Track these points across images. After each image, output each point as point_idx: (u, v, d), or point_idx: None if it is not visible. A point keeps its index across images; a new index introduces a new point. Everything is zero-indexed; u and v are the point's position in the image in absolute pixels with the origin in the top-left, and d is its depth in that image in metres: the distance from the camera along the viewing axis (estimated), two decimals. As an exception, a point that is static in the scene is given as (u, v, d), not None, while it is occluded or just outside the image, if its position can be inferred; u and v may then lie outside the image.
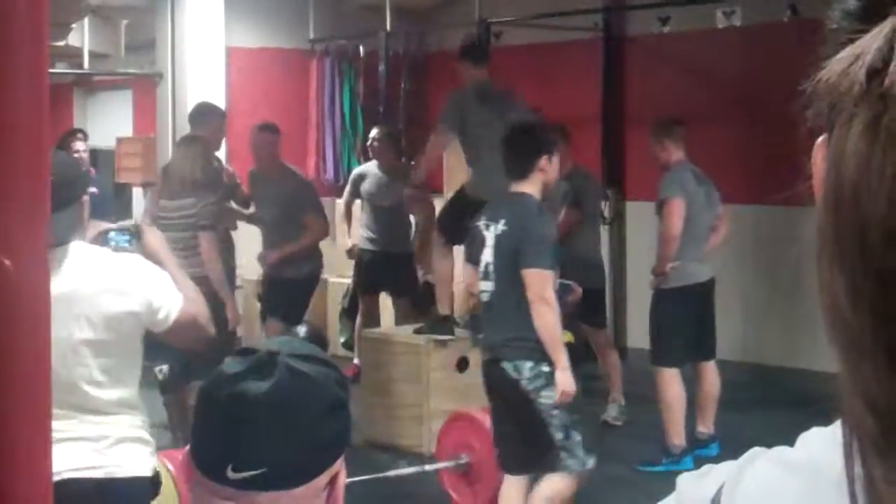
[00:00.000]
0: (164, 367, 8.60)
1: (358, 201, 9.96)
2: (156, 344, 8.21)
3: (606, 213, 10.87)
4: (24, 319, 2.90)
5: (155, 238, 4.00)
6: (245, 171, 9.65)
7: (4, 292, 2.84)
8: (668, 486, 0.89)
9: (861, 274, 0.66)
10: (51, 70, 6.27)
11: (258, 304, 11.41)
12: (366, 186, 9.72)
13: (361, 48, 12.70)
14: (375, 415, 8.16)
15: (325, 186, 12.44)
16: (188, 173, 7.44)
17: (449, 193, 10.71)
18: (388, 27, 12.08)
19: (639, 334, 9.35)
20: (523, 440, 5.59)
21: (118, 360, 3.63)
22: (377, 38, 12.26)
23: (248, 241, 10.53)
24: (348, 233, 10.00)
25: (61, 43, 11.48)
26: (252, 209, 8.99)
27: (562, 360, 5.40)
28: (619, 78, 11.68)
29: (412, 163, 10.52)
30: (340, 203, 10.21)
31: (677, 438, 7.42)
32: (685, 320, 7.42)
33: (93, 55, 12.44)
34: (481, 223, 5.65)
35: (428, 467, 6.96)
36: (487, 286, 5.59)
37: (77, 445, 3.52)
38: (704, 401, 7.62)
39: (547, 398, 5.40)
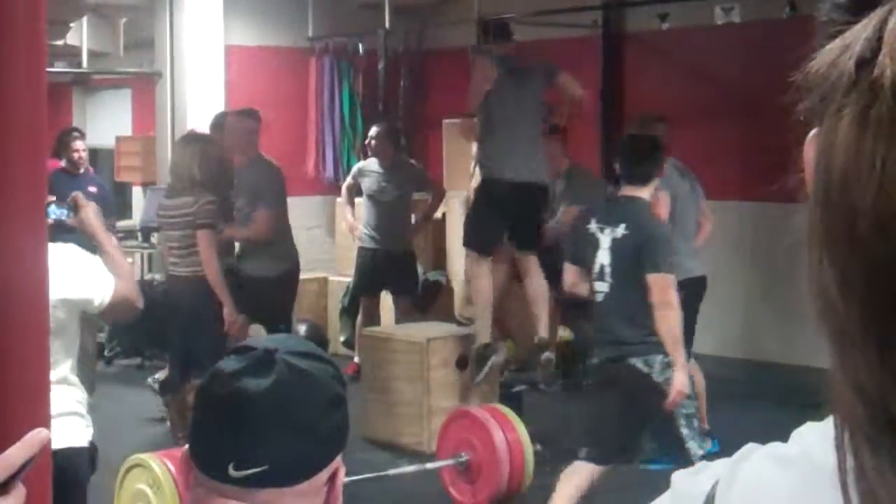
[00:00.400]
0: (158, 375, 8.60)
1: (359, 199, 9.94)
2: (157, 343, 8.13)
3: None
4: (23, 316, 2.91)
5: (91, 213, 4.23)
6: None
7: (4, 290, 2.84)
8: (668, 484, 0.89)
9: (851, 264, 0.66)
10: (49, 69, 6.27)
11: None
12: (366, 183, 9.71)
13: (361, 46, 12.69)
14: (376, 413, 8.16)
15: (325, 184, 12.45)
16: (186, 172, 7.43)
17: (451, 192, 10.72)
18: (387, 25, 12.08)
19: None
20: (641, 432, 5.83)
21: (56, 342, 3.71)
22: (376, 36, 12.26)
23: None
24: (352, 214, 9.93)
25: (60, 42, 11.48)
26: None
27: (681, 360, 5.59)
28: (618, 75, 11.68)
29: (412, 160, 10.53)
30: (341, 198, 10.16)
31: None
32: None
33: (92, 54, 12.45)
34: (593, 226, 5.78)
35: (428, 465, 6.96)
36: (603, 287, 5.75)
37: None
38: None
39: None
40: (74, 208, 4.27)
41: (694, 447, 5.77)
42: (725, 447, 7.12)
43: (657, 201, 7.53)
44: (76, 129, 11.82)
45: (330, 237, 12.03)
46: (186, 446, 1.73)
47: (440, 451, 7.00)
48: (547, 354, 7.86)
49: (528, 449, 6.78)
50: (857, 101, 0.66)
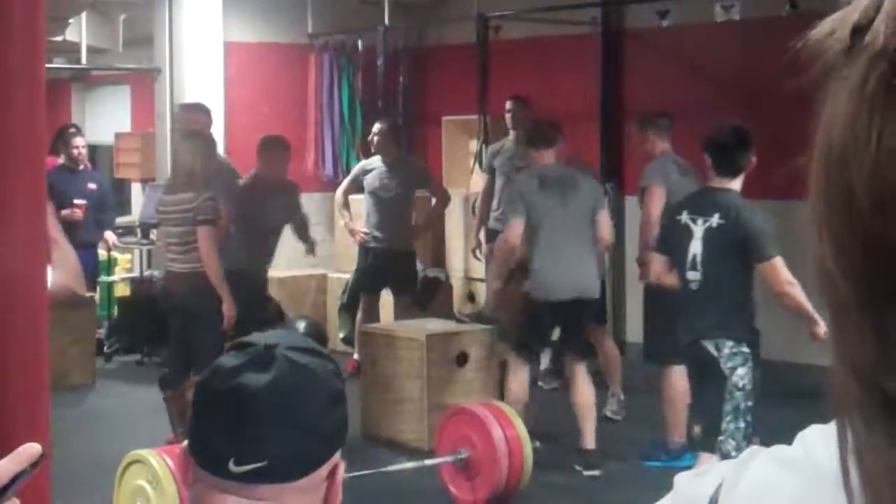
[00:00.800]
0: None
1: (360, 197, 9.91)
2: (156, 339, 8.14)
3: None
4: (22, 313, 2.91)
5: None
6: (243, 166, 9.65)
7: (4, 287, 2.84)
8: (668, 482, 0.88)
9: (848, 238, 0.66)
10: (48, 65, 6.27)
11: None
12: (368, 180, 9.69)
13: (360, 43, 12.69)
14: (375, 410, 8.16)
15: (324, 181, 12.44)
16: (189, 168, 7.43)
17: (450, 189, 10.71)
18: (386, 21, 12.08)
19: (638, 329, 9.35)
20: (702, 412, 5.94)
21: None
22: (376, 33, 12.25)
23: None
24: (349, 217, 9.91)
25: (59, 38, 11.47)
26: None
27: (815, 316, 5.69)
28: (618, 72, 11.67)
29: (411, 156, 10.53)
30: (337, 199, 10.14)
31: (678, 435, 7.35)
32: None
33: (91, 50, 12.44)
34: (685, 217, 5.92)
35: (427, 462, 6.96)
36: (695, 276, 5.88)
37: None
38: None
39: (738, 378, 5.73)
40: None
41: (728, 446, 5.75)
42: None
43: (650, 196, 7.57)
44: (74, 126, 11.82)
45: (329, 234, 12.03)
46: (185, 442, 1.73)
47: (439, 448, 7.01)
48: (592, 472, 7.41)
49: (527, 446, 6.78)
50: (853, 71, 0.66)
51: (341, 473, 1.72)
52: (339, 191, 10.06)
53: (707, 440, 5.80)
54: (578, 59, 11.82)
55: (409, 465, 6.97)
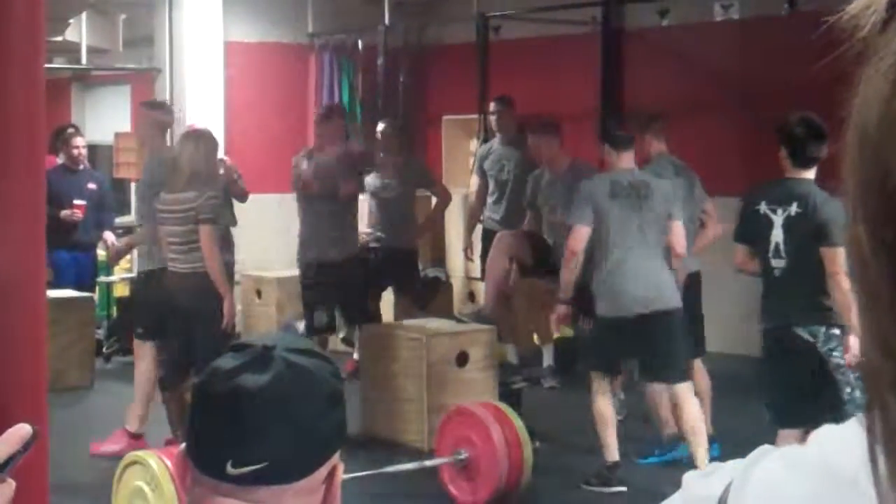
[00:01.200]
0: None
1: (361, 196, 9.91)
2: (155, 339, 8.14)
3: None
4: (21, 313, 2.90)
5: None
6: (243, 166, 9.64)
7: (2, 287, 2.84)
8: (666, 478, 0.88)
9: (882, 221, 0.65)
10: (48, 65, 6.26)
11: (257, 300, 11.44)
12: (369, 180, 9.68)
13: (360, 42, 12.69)
14: (375, 410, 8.15)
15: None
16: (193, 167, 7.43)
17: (450, 188, 10.70)
18: (386, 21, 12.07)
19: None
20: (812, 396, 5.97)
21: None
22: (376, 32, 12.25)
23: (247, 238, 10.53)
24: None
25: (59, 38, 11.46)
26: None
27: (852, 322, 5.78)
28: (618, 71, 11.67)
29: (413, 156, 10.51)
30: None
31: (667, 427, 7.36)
32: None
33: (91, 50, 12.43)
34: (763, 207, 6.07)
35: (427, 463, 6.95)
36: (779, 263, 6.05)
37: None
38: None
39: (837, 358, 5.89)
40: None
41: (856, 413, 5.82)
42: (727, 441, 7.12)
43: None
44: (74, 126, 11.81)
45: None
46: (184, 444, 1.72)
47: (439, 449, 7.00)
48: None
49: (527, 446, 6.77)
50: (889, 49, 0.65)
51: (340, 475, 1.72)
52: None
53: (831, 413, 5.84)
54: (578, 59, 11.82)
55: (409, 465, 6.96)
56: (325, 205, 8.72)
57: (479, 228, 10.35)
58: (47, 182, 3.28)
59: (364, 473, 6.39)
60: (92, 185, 10.70)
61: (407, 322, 8.84)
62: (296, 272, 11.65)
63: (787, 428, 6.04)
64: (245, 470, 1.63)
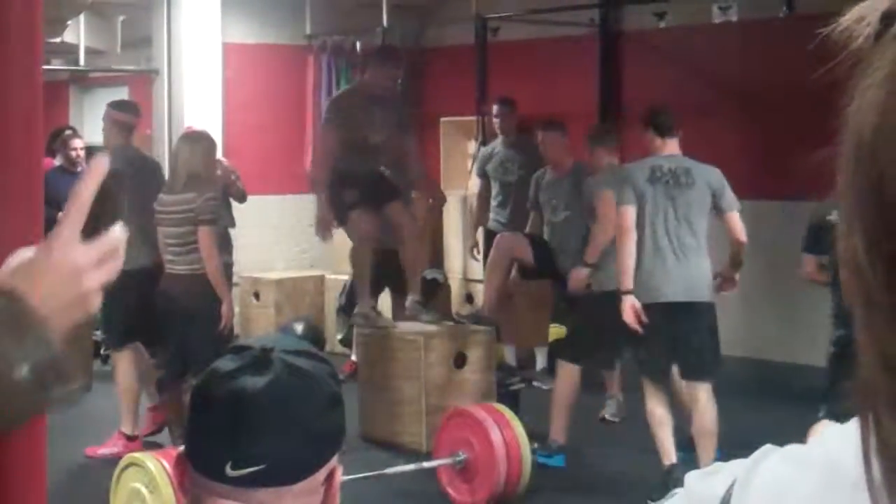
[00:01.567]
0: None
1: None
2: (153, 341, 8.13)
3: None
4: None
5: None
6: (241, 167, 9.65)
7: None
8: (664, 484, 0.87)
9: (878, 229, 0.65)
10: (46, 67, 6.25)
11: (255, 301, 11.44)
12: None
13: (358, 44, 12.68)
14: (373, 411, 8.15)
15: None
16: (192, 169, 7.43)
17: (448, 190, 10.70)
18: (385, 23, 12.07)
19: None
20: None
21: None
22: (374, 34, 12.25)
23: (245, 239, 10.54)
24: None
25: (57, 39, 11.46)
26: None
27: None
28: (616, 73, 11.68)
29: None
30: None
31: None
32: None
33: (89, 52, 12.43)
34: (834, 216, 5.84)
35: (426, 464, 6.95)
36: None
37: None
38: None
39: None
40: None
41: None
42: (728, 444, 7.11)
43: (599, 200, 7.54)
44: (72, 127, 11.81)
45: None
46: (182, 447, 1.72)
47: (437, 450, 7.00)
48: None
49: (526, 447, 6.77)
50: (884, 61, 0.65)
51: (339, 477, 1.72)
52: None
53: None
54: (576, 61, 11.82)
55: (408, 467, 6.95)
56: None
57: (479, 230, 10.36)
58: (45, 184, 3.28)
59: (362, 475, 6.38)
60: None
61: (405, 323, 8.83)
62: (294, 274, 11.66)
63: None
64: (244, 471, 1.63)
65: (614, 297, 6.75)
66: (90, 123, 14.82)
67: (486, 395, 7.89)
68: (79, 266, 1.43)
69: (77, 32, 12.07)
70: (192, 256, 7.36)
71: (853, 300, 0.67)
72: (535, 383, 9.39)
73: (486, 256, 9.65)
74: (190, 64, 11.67)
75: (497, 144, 10.14)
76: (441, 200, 10.08)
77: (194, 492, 1.69)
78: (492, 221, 10.01)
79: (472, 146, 11.74)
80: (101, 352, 10.87)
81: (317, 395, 1.68)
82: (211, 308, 7.31)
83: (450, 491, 6.87)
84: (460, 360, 8.03)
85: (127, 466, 6.05)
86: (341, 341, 10.31)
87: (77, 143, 10.88)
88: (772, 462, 0.79)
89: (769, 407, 8.47)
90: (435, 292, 10.85)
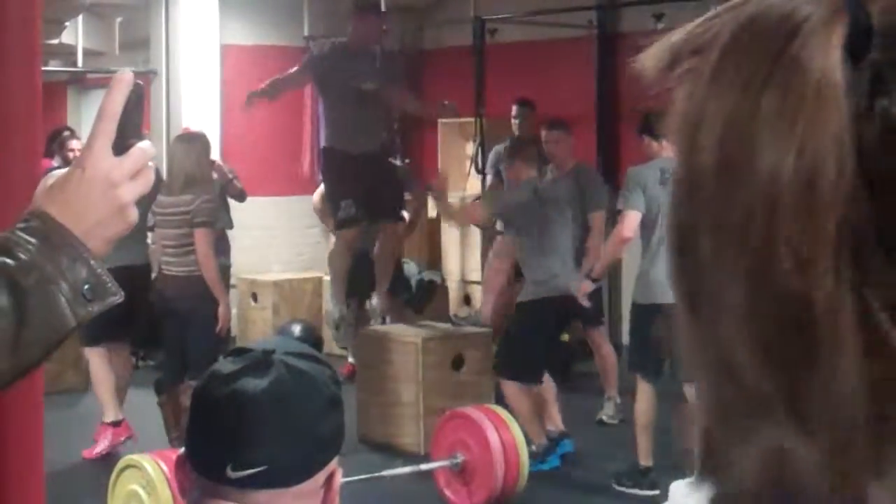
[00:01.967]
0: None
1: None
2: (151, 342, 8.10)
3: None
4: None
5: None
6: (239, 168, 9.64)
7: None
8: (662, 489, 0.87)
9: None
10: (44, 68, 6.24)
11: (253, 303, 11.43)
12: None
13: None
14: (370, 414, 8.14)
15: (320, 184, 12.43)
16: (187, 170, 7.42)
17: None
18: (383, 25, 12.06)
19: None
20: None
21: None
22: (372, 36, 12.24)
23: (243, 240, 10.53)
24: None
25: (55, 41, 11.46)
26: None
27: None
28: (614, 74, 11.68)
29: (407, 161, 10.49)
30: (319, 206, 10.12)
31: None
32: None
33: (87, 53, 12.42)
34: None
35: (423, 467, 6.94)
36: None
37: None
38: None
39: None
40: None
41: None
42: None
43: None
44: (70, 129, 11.80)
45: (325, 237, 12.02)
46: (182, 449, 1.72)
47: (435, 452, 6.99)
48: None
49: (524, 450, 6.77)
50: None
51: (338, 479, 1.72)
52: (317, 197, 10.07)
53: None
54: (574, 62, 11.83)
55: (405, 469, 6.95)
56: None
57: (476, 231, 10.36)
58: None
59: (359, 478, 6.38)
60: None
61: (402, 326, 8.83)
62: (292, 275, 11.66)
63: None
64: (245, 473, 1.63)
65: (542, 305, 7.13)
66: (88, 125, 14.79)
67: (483, 397, 7.88)
68: (113, 180, 1.44)
69: (75, 34, 12.07)
70: (189, 258, 7.36)
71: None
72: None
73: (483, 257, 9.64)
74: (188, 65, 11.66)
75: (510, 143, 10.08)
76: (425, 200, 9.99)
77: (194, 493, 1.69)
78: None
79: (470, 147, 11.74)
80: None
81: (317, 397, 1.69)
82: (208, 310, 7.31)
83: (447, 493, 6.87)
84: (458, 362, 8.03)
85: (125, 468, 6.05)
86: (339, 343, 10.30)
87: (75, 144, 10.86)
88: None
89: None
90: (432, 294, 10.85)
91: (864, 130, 0.58)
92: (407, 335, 8.21)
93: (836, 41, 0.58)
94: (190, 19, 11.60)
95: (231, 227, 9.30)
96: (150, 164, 1.49)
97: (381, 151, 8.76)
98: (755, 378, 0.59)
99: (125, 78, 1.49)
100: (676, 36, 0.66)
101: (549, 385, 7.71)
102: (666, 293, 6.49)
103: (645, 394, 6.85)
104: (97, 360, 8.00)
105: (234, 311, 8.54)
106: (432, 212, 11.14)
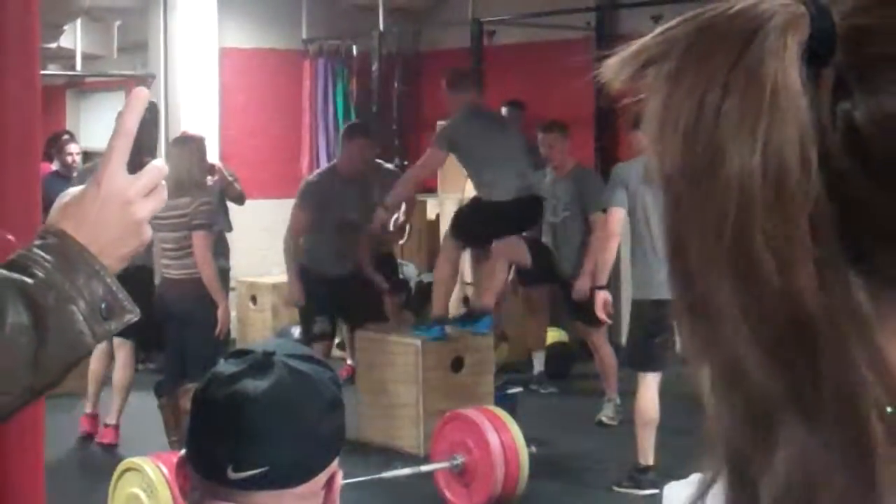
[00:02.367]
0: None
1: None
2: (151, 345, 8.11)
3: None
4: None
5: None
6: (238, 171, 9.64)
7: None
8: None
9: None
10: (43, 72, 6.24)
11: (252, 305, 11.43)
12: None
13: (355, 48, 12.69)
14: (370, 415, 8.14)
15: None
16: (184, 173, 7.42)
17: (445, 194, 10.71)
18: (381, 27, 12.07)
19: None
20: None
21: None
22: (370, 38, 12.26)
23: (242, 243, 10.53)
24: None
25: (53, 45, 11.47)
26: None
27: None
28: (613, 76, 11.69)
29: (406, 164, 10.49)
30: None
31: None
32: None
33: (85, 56, 12.43)
34: None
35: (423, 468, 6.94)
36: None
37: None
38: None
39: None
40: None
41: None
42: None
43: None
44: (68, 132, 11.80)
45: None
46: (183, 451, 1.72)
47: (435, 454, 6.99)
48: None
49: (523, 451, 6.76)
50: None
51: (339, 481, 1.73)
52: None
53: None
54: (573, 64, 11.83)
55: (405, 471, 6.95)
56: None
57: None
58: (42, 189, 3.28)
59: (359, 479, 6.38)
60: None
61: (402, 327, 8.82)
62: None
63: None
64: (245, 474, 1.64)
65: None
66: (87, 128, 14.83)
67: (483, 398, 7.88)
68: (128, 197, 1.45)
69: (73, 37, 12.07)
70: (188, 261, 7.36)
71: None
72: (532, 387, 9.38)
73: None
74: (186, 68, 11.67)
75: None
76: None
77: (195, 495, 1.69)
78: None
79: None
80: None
81: (318, 398, 1.69)
82: (207, 312, 7.31)
83: (447, 494, 6.87)
84: (457, 364, 8.03)
85: (125, 471, 6.05)
86: (338, 345, 10.30)
87: (73, 148, 10.87)
88: None
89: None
90: (430, 296, 10.85)
91: (827, 132, 0.59)
92: (406, 337, 8.21)
93: (793, 46, 0.59)
94: (188, 23, 11.60)
95: (230, 229, 9.30)
96: (164, 180, 1.50)
97: (357, 271, 8.81)
98: (761, 378, 0.60)
99: (141, 95, 1.50)
100: (635, 47, 0.67)
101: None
102: (661, 288, 6.49)
103: (647, 391, 6.83)
104: (96, 354, 8.06)
105: (233, 313, 8.54)
106: (431, 214, 11.15)
